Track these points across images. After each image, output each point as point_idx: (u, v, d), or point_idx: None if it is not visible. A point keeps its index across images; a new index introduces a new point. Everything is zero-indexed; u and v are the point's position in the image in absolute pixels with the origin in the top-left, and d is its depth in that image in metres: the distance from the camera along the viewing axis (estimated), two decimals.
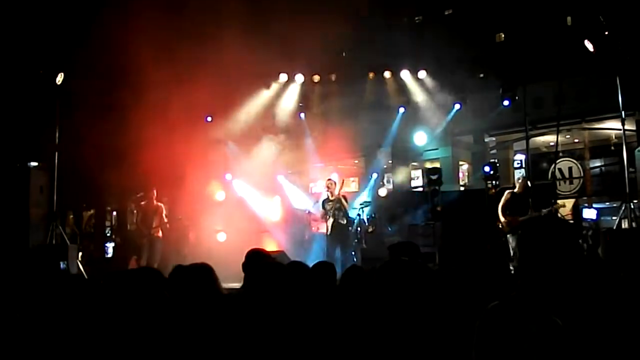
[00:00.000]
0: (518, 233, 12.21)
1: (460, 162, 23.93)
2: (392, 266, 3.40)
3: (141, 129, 14.03)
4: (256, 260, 5.80)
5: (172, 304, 3.88)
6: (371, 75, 18.31)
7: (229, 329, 3.66)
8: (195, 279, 4.26)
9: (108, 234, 22.08)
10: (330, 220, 13.70)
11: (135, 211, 18.83)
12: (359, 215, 15.64)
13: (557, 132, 14.43)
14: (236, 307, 3.95)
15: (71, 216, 21.11)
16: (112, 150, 15.38)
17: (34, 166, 14.80)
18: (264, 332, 3.47)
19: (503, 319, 3.09)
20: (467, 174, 24.17)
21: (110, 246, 19.68)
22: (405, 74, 18.06)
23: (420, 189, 17.83)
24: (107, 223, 23.23)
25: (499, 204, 12.63)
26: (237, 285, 5.66)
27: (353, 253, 14.57)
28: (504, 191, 13.03)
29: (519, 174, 21.36)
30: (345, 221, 13.92)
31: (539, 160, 21.91)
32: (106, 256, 18.71)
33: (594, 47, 13.00)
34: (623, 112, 12.52)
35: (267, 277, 3.95)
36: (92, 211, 22.71)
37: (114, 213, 23.31)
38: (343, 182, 14.61)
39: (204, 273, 4.40)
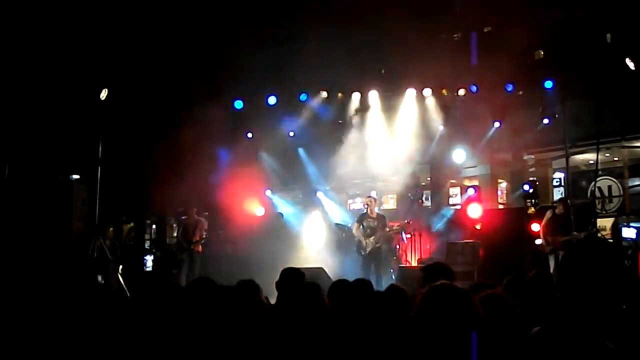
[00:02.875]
0: (557, 253, 12.12)
1: (499, 180, 23.75)
2: (431, 292, 3.36)
3: (183, 144, 14.22)
4: (290, 278, 5.86)
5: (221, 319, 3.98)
6: (410, 92, 18.35)
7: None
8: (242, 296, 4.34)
9: (147, 247, 22.28)
10: (370, 240, 13.69)
11: (175, 225, 19.03)
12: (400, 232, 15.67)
13: (597, 150, 14.29)
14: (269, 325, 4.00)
15: (111, 229, 21.36)
16: (153, 164, 15.58)
17: (76, 179, 14.98)
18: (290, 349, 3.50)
19: (550, 344, 3.01)
20: (505, 192, 23.96)
21: (149, 259, 19.85)
22: (444, 92, 18.09)
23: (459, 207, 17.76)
24: (147, 236, 23.45)
25: (541, 224, 12.55)
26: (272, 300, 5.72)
27: (392, 271, 14.57)
28: (544, 210, 12.94)
29: (558, 192, 21.19)
30: (382, 241, 13.94)
31: (578, 179, 21.68)
32: (145, 269, 18.88)
33: (634, 65, 12.92)
34: None
35: (300, 298, 3.99)
36: (131, 224, 22.93)
37: (154, 226, 23.52)
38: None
39: (251, 290, 4.47)
